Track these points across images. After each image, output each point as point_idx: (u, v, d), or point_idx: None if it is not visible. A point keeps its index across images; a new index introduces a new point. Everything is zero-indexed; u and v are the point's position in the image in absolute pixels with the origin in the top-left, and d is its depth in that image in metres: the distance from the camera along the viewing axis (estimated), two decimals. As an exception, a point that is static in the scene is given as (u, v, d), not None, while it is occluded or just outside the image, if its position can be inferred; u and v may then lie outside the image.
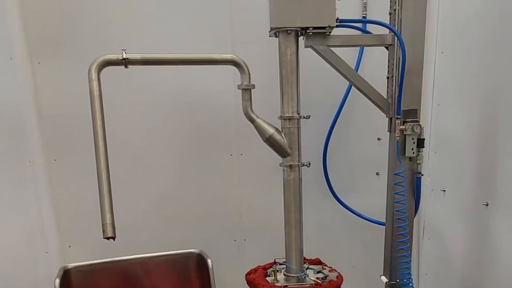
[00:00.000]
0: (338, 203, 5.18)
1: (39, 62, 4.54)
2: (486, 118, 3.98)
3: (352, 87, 4.47)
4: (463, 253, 4.50)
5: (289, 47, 3.70)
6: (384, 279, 4.36)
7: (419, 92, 3.91)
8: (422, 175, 4.08)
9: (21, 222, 4.49)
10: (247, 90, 3.81)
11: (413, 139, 3.89)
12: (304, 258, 4.30)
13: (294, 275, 4.14)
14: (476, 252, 4.28)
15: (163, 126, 4.88)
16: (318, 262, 4.51)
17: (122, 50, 3.51)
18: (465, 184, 4.36)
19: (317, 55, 3.77)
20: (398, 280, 4.23)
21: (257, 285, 4.06)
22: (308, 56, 3.84)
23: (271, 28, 3.69)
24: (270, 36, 3.84)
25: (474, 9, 4.13)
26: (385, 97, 4.01)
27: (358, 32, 4.45)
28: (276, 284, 4.05)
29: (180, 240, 4.97)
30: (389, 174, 4.17)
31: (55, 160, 4.79)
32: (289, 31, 3.66)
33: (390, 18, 3.92)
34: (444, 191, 4.80)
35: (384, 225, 4.38)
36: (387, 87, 4.05)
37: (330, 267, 4.41)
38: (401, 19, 3.77)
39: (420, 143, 3.92)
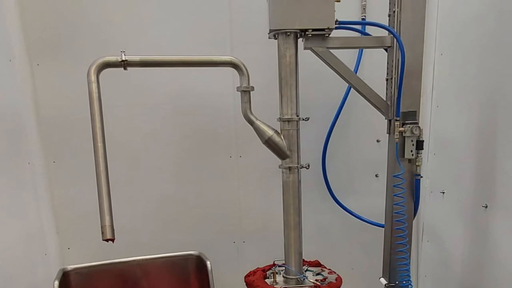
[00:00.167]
0: (337, 205, 5.18)
1: (38, 64, 4.54)
2: (485, 120, 3.98)
3: (351, 89, 4.48)
4: (462, 255, 4.50)
5: (288, 49, 3.70)
6: (383, 281, 4.36)
7: (418, 94, 3.92)
8: (421, 177, 4.09)
9: (20, 224, 4.49)
10: (246, 92, 3.82)
11: (412, 141, 3.89)
12: (303, 260, 4.31)
13: (293, 277, 4.14)
14: (475, 254, 4.28)
15: (162, 128, 4.88)
16: (317, 264, 4.51)
17: (121, 52, 3.51)
18: (464, 186, 4.36)
19: (316, 57, 3.78)
20: (397, 282, 4.23)
21: (256, 287, 4.06)
22: (307, 58, 3.85)
23: (270, 30, 3.69)
24: (269, 38, 3.84)
25: (473, 11, 4.13)
26: (384, 99, 4.01)
27: (357, 34, 4.45)
28: (275, 286, 4.06)
29: (179, 242, 4.97)
30: (388, 176, 4.17)
31: (54, 162, 4.78)
32: (288, 33, 3.66)
33: (389, 20, 3.92)
34: (443, 193, 4.80)
35: (383, 227, 4.38)
36: (386, 89, 4.05)
37: (329, 269, 4.41)
38: (400, 21, 3.77)
39: (419, 145, 3.92)
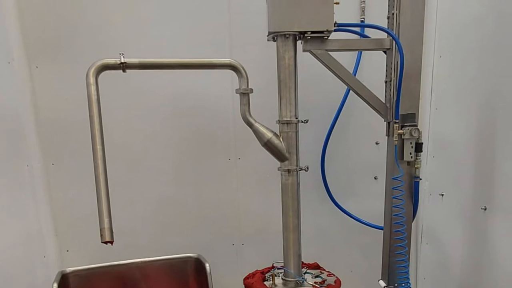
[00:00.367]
0: (336, 207, 5.18)
1: (37, 66, 4.54)
2: (484, 122, 3.98)
3: (350, 91, 4.47)
4: (461, 257, 4.50)
5: (287, 51, 3.71)
6: (382, 283, 4.36)
7: (417, 96, 3.92)
8: (420, 179, 4.09)
9: (19, 226, 4.49)
10: (245, 94, 3.81)
11: (411, 143, 3.90)
12: (302, 262, 4.30)
13: (292, 279, 4.14)
14: (474, 256, 4.28)
15: (161, 130, 4.88)
16: (316, 266, 4.52)
17: (120, 54, 3.51)
18: (463, 188, 4.36)
19: (315, 59, 3.78)
20: (396, 285, 4.23)
21: (255, 289, 4.07)
22: (306, 60, 3.85)
23: (269, 32, 3.69)
24: (268, 40, 3.84)
25: (472, 13, 4.14)
26: (383, 101, 4.01)
27: (356, 36, 4.45)
28: (274, 288, 4.07)
29: (178, 244, 4.96)
30: (387, 178, 4.17)
31: (53, 164, 4.78)
32: (287, 35, 3.66)
33: (388, 22, 3.93)
34: (442, 195, 4.80)
35: (382, 229, 4.38)
36: (385, 91, 4.06)
37: (328, 272, 4.42)
38: (399, 23, 3.77)
39: (418, 147, 3.93)
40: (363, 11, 4.81)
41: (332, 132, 5.00)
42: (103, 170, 3.41)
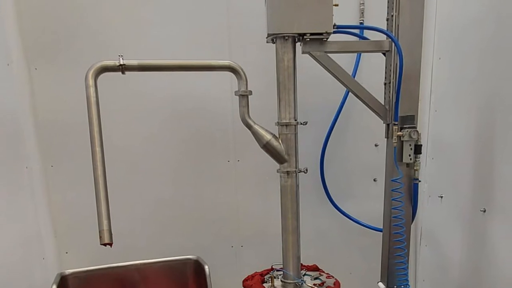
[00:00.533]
0: (336, 209, 5.18)
1: (36, 68, 4.54)
2: (484, 124, 3.98)
3: (350, 93, 4.48)
4: (460, 259, 4.50)
5: (286, 53, 3.70)
6: (381, 285, 4.36)
7: (416, 98, 3.91)
8: (420, 181, 4.09)
9: (17, 228, 4.48)
10: (244, 96, 3.81)
11: (410, 145, 3.89)
12: (301, 264, 4.30)
13: (291, 281, 4.13)
14: (473, 258, 4.28)
15: (160, 132, 4.88)
16: (315, 268, 4.51)
17: (119, 56, 3.51)
18: (462, 190, 4.36)
19: (315, 61, 3.78)
20: (395, 287, 4.24)
21: (254, 291, 4.07)
22: (305, 62, 3.85)
23: (268, 34, 3.69)
24: (267, 42, 3.84)
25: (471, 15, 4.14)
26: (383, 103, 4.01)
27: (356, 38, 4.44)
28: (273, 290, 4.07)
29: (177, 246, 4.97)
30: (387, 180, 4.17)
31: (52, 166, 4.78)
32: (286, 37, 3.66)
33: (387, 24, 3.93)
34: (442, 197, 4.80)
35: (381, 231, 4.38)
36: (385, 93, 4.05)
37: (327, 274, 4.41)
38: (398, 25, 3.77)
39: (418, 149, 3.92)
40: (362, 13, 4.82)
41: (331, 134, 5.00)
42: (102, 172, 3.40)
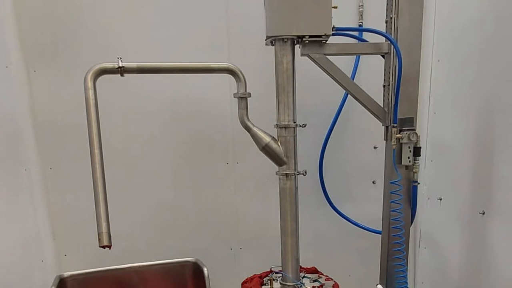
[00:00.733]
0: (335, 212, 5.18)
1: (34, 70, 4.54)
2: (483, 126, 3.98)
3: (349, 95, 4.48)
4: (460, 261, 4.50)
5: (285, 55, 3.70)
6: (380, 287, 4.36)
7: (415, 100, 3.91)
8: (419, 183, 4.08)
9: (16, 231, 4.47)
10: (243, 98, 3.81)
11: (409, 147, 3.89)
12: (300, 266, 4.30)
13: (290, 283, 4.13)
14: (472, 260, 4.27)
15: (159, 135, 4.88)
16: (314, 270, 4.51)
17: (118, 58, 3.51)
18: (461, 192, 4.36)
19: (313, 63, 3.77)
20: (394, 289, 4.23)
21: (253, 293, 4.07)
22: (304, 64, 3.84)
23: (267, 36, 3.68)
24: (266, 44, 3.84)
25: (470, 17, 4.13)
26: (382, 105, 4.01)
27: (354, 41, 4.44)
28: (272, 293, 4.07)
29: (176, 248, 4.96)
30: (386, 182, 4.17)
31: (50, 168, 4.79)
32: (285, 40, 3.66)
33: (386, 26, 3.93)
34: (441, 199, 4.79)
35: (380, 233, 4.38)
36: (384, 95, 4.05)
37: (326, 276, 4.41)
38: (397, 28, 3.77)
39: (417, 151, 3.92)
40: (361, 15, 4.82)
41: (330, 137, 5.01)
42: (101, 175, 3.40)
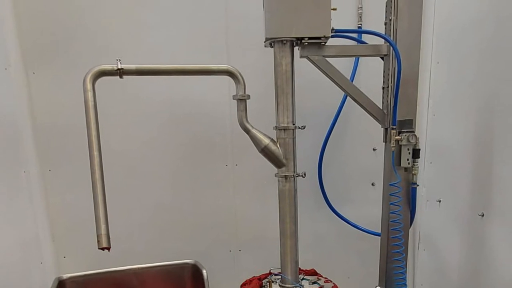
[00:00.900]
0: (334, 214, 5.18)
1: (34, 72, 4.55)
2: (482, 128, 3.98)
3: (348, 97, 4.47)
4: (459, 263, 4.49)
5: (284, 57, 3.70)
6: (379, 289, 4.36)
7: (414, 102, 3.91)
8: (418, 185, 4.08)
9: (15, 233, 4.47)
10: (242, 100, 3.80)
11: (408, 149, 3.89)
12: (300, 268, 4.30)
13: (290, 285, 4.13)
14: (471, 262, 4.27)
15: (158, 136, 4.88)
16: (313, 272, 4.51)
17: (117, 60, 3.50)
18: (460, 194, 4.35)
19: (313, 65, 3.78)
20: (393, 291, 4.23)
21: (252, 295, 4.07)
22: (303, 66, 3.84)
23: (266, 38, 3.68)
24: (265, 46, 3.84)
25: (469, 19, 4.13)
26: (381, 107, 4.01)
27: (354, 42, 4.45)
28: (271, 295, 4.06)
29: (175, 250, 4.95)
30: (385, 184, 4.16)
31: (50, 170, 4.79)
32: (284, 41, 3.66)
33: (385, 28, 3.93)
34: (440, 201, 4.79)
35: (379, 235, 4.37)
36: (383, 97, 4.05)
37: (325, 278, 4.41)
38: (396, 29, 3.77)
39: (416, 153, 3.92)
40: (360, 17, 4.82)
41: (330, 138, 5.01)
42: (100, 176, 3.39)
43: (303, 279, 4.36)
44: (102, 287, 4.59)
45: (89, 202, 3.37)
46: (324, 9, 3.57)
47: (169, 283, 4.75)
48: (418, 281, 5.43)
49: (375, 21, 4.23)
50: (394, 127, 3.87)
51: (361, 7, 4.81)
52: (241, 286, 4.33)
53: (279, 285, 4.21)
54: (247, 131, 3.85)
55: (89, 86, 3.40)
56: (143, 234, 5.08)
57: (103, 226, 3.34)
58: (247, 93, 3.81)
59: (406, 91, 3.83)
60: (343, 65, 4.40)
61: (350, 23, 4.84)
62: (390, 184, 3.98)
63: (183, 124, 4.89)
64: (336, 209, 5.18)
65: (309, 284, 4.29)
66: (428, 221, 5.11)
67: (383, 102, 4.05)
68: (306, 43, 3.67)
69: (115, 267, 4.60)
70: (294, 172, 3.92)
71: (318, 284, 4.28)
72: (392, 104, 3.85)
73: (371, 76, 4.46)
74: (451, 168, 4.55)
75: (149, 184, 4.99)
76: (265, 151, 3.81)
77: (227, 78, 3.86)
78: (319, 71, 3.81)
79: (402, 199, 3.99)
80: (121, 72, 3.52)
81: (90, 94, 3.40)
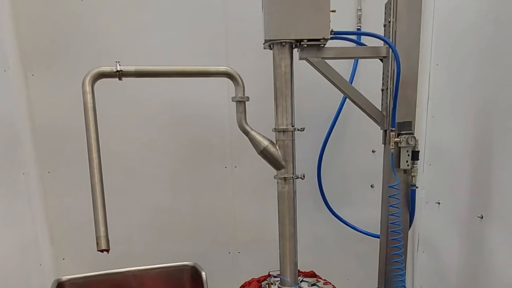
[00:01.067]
0: (333, 216, 5.17)
1: (32, 74, 4.55)
2: (481, 130, 3.98)
3: (347, 99, 4.47)
4: (458, 265, 4.49)
5: (284, 59, 3.70)
6: (378, 291, 4.36)
7: (413, 104, 3.91)
8: (417, 187, 4.08)
9: (14, 235, 4.46)
10: (241, 102, 3.80)
11: (407, 151, 3.89)
12: (299, 270, 4.29)
13: (289, 287, 4.12)
14: (470, 264, 4.27)
15: (157, 138, 4.87)
16: (312, 274, 4.51)
17: (116, 62, 3.49)
18: (459, 196, 4.35)
19: (312, 67, 3.77)
20: (392, 293, 4.23)
21: (252, 297, 4.06)
22: (302, 68, 3.85)
23: (265, 40, 3.68)
24: (264, 48, 3.84)
25: (468, 21, 4.13)
26: (380, 109, 4.01)
27: (353, 44, 4.44)
28: (270, 296, 4.06)
29: (174, 252, 4.96)
30: (384, 186, 4.16)
31: (48, 172, 4.79)
32: (284, 43, 3.65)
33: (384, 30, 3.93)
34: (439, 203, 4.79)
35: (378, 237, 4.37)
36: (382, 99, 4.06)
37: (324, 280, 4.41)
38: (395, 31, 3.77)
39: (415, 155, 3.91)
40: (359, 19, 4.82)
41: (329, 140, 5.00)
42: (99, 178, 3.39)
43: (302, 281, 4.36)
44: (101, 289, 4.59)
45: (88, 204, 3.36)
46: (323, 11, 3.56)
47: (168, 285, 4.75)
48: (417, 283, 5.43)
49: (374, 23, 4.24)
50: (393, 129, 3.87)
51: (360, 9, 4.82)
52: (240, 288, 4.34)
53: (278, 287, 4.21)
54: (246, 133, 3.85)
55: (88, 88, 3.40)
56: (142, 236, 5.08)
57: (102, 228, 3.33)
58: (246, 95, 3.81)
59: (405, 93, 3.83)
60: (342, 67, 4.40)
61: (349, 25, 4.84)
62: (389, 186, 3.98)
63: (182, 126, 4.89)
64: (335, 211, 5.17)
65: (308, 286, 4.28)
66: (427, 223, 5.11)
67: (382, 104, 4.05)
68: (305, 45, 3.66)
69: (114, 269, 4.59)
70: (293, 174, 3.92)
71: (317, 286, 4.28)
72: (391, 106, 3.85)
73: (370, 78, 4.45)
74: (450, 170, 4.55)
75: (148, 186, 4.99)
76: (264, 153, 3.81)
77: (226, 80, 3.86)
78: (318, 73, 3.80)
79: (401, 201, 3.99)
80: (120, 74, 3.51)
81: (89, 96, 3.39)
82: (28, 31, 4.47)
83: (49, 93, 4.60)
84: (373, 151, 5.18)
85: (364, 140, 5.13)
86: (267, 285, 4.21)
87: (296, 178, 3.96)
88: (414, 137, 3.87)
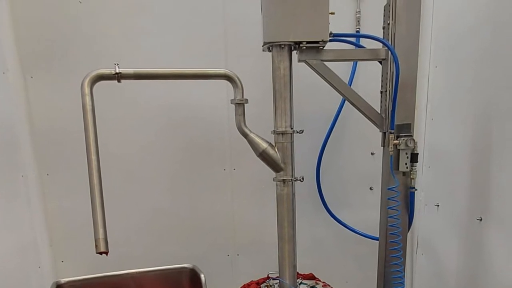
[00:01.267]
0: (332, 218, 5.17)
1: (31, 77, 4.54)
2: (480, 133, 3.98)
3: (346, 101, 4.47)
4: (457, 268, 4.49)
5: (283, 61, 3.69)
6: (377, 294, 4.36)
7: (412, 106, 3.91)
8: (416, 189, 4.08)
9: (13, 237, 4.46)
10: (240, 104, 3.80)
11: (406, 153, 3.89)
12: (298, 273, 4.29)
13: (288, 290, 4.13)
14: (469, 266, 4.27)
15: (156, 141, 4.87)
16: (311, 277, 4.51)
17: (115, 64, 3.49)
18: (458, 199, 4.35)
19: (311, 69, 3.77)
20: (392, 295, 4.22)
21: (250, 300, 4.06)
22: (301, 70, 3.85)
23: (264, 42, 3.68)
24: (263, 50, 3.83)
25: (467, 24, 4.13)
26: (379, 111, 4.01)
27: (352, 47, 4.45)
28: (269, 299, 4.06)
29: (173, 255, 4.94)
30: (383, 188, 4.16)
31: (47, 174, 4.78)
32: (283, 46, 3.65)
33: (383, 32, 3.93)
34: (438, 206, 4.79)
35: (377, 240, 4.37)
36: (381, 101, 4.05)
37: (323, 282, 4.41)
38: (394, 34, 3.77)
39: (414, 157, 3.91)
40: (358, 21, 4.82)
41: (328, 143, 5.01)
42: (98, 181, 3.39)
43: (301, 283, 4.36)
44: (100, 291, 4.59)
45: (87, 206, 3.36)
46: (322, 13, 3.56)
47: (167, 287, 4.74)
48: (416, 285, 5.43)
49: (373, 25, 4.24)
50: (392, 131, 3.87)
51: (359, 12, 4.82)
52: (239, 290, 4.34)
53: (277, 289, 4.22)
54: (245, 135, 3.85)
55: (87, 90, 3.40)
56: (141, 238, 5.07)
57: (101, 231, 3.33)
58: (245, 97, 3.81)
59: (404, 95, 3.83)
60: (341, 70, 4.41)
61: (348, 28, 4.85)
62: (388, 188, 3.98)
63: (181, 129, 4.89)
64: (334, 213, 5.18)
65: (307, 288, 4.30)
66: (426, 225, 5.11)
67: (381, 106, 4.05)
68: (304, 47, 3.66)
69: (113, 272, 4.58)
70: (292, 177, 3.92)
71: (316, 288, 4.29)
72: (390, 108, 3.85)
73: (369, 80, 4.45)
74: (449, 172, 4.55)
75: (147, 188, 4.98)
76: (263, 156, 3.81)
77: (225, 82, 3.86)
78: (317, 75, 3.80)
79: (400, 203, 3.99)
80: (119, 76, 3.51)
81: (88, 98, 3.39)
82: (27, 34, 4.47)
83: (48, 96, 4.60)
84: (372, 154, 5.18)
85: (363, 142, 5.13)
86: (266, 288, 4.21)
87: (295, 181, 3.95)
88: (413, 140, 3.87)
